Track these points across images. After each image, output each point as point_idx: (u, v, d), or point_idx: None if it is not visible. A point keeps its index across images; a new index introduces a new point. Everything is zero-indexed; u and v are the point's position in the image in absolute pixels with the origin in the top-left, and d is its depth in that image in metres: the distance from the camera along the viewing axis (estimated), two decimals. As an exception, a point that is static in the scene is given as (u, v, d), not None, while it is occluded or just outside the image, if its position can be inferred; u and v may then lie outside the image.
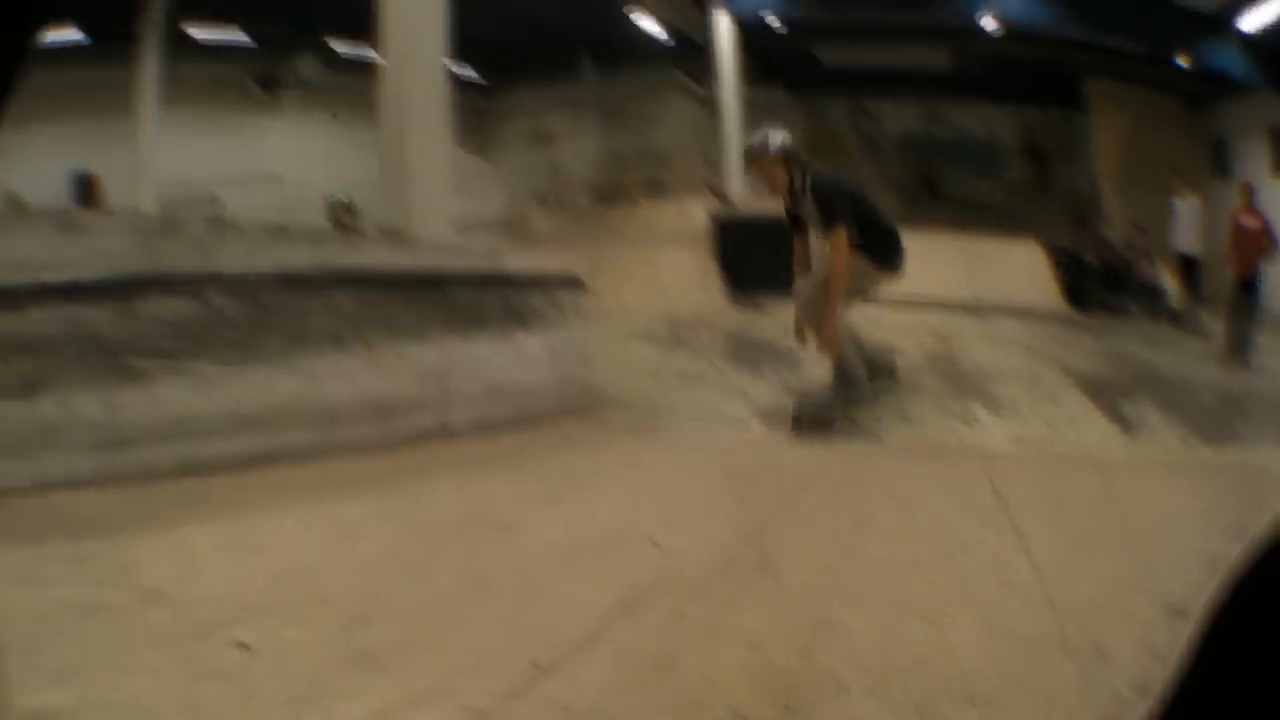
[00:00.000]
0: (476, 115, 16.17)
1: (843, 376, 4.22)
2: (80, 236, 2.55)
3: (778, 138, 4.25)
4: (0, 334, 2.16)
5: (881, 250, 4.26)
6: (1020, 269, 9.26)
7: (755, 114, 13.04)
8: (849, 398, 4.23)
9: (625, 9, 13.66)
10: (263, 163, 15.41)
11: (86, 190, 13.17)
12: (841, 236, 4.06)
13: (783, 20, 13.72)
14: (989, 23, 12.28)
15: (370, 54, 12.83)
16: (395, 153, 4.97)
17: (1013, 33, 12.52)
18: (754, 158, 4.36)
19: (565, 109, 16.88)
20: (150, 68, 12.33)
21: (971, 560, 2.01)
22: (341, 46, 15.65)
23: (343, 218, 7.30)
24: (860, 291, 4.27)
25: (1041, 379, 5.01)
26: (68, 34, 12.95)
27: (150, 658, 1.39)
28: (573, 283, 3.98)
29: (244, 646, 1.42)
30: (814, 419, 4.07)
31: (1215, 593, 0.54)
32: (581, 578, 1.85)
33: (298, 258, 3.03)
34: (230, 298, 2.53)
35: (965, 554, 2.06)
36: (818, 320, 4.10)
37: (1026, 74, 14.01)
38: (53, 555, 1.81)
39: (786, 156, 4.24)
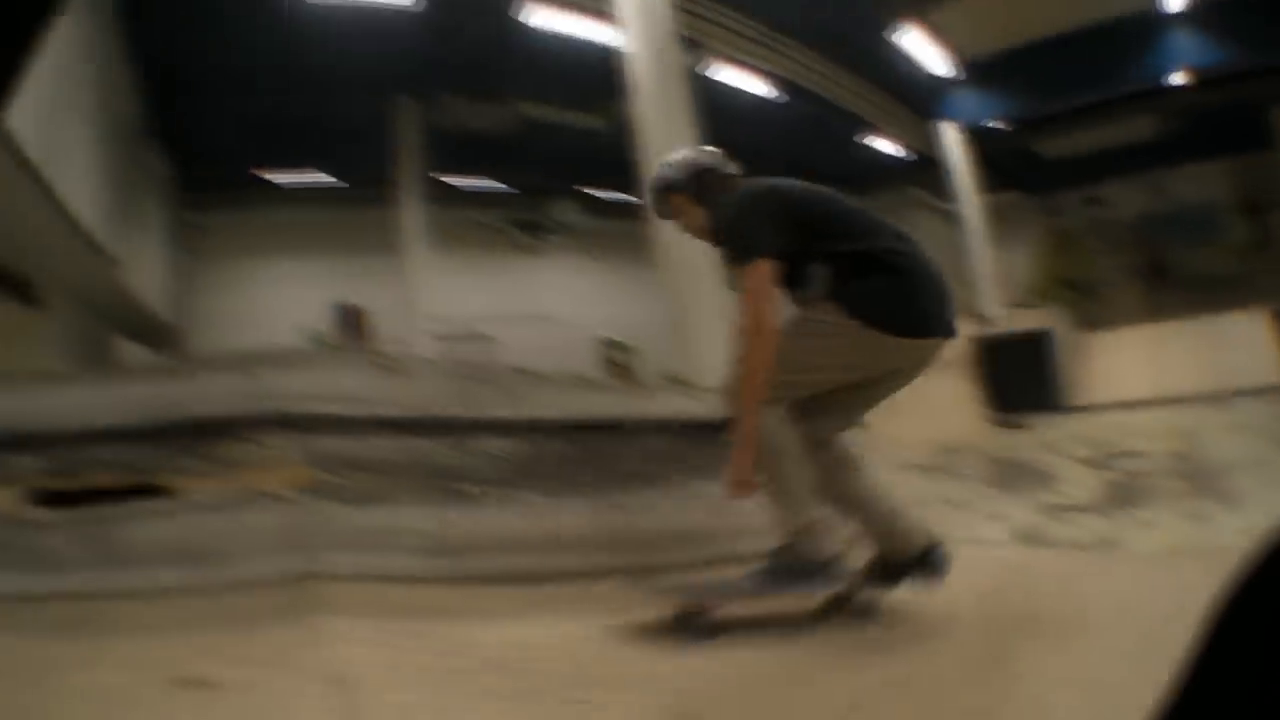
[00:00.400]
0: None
1: (779, 544, 2.46)
2: (400, 376, 3.12)
3: (678, 162, 2.79)
4: (347, 454, 2.73)
5: (877, 299, 2.49)
6: (1252, 343, 8.82)
7: (995, 223, 12.83)
8: (774, 579, 2.43)
9: (858, 135, 14.08)
10: (529, 303, 16.69)
11: (352, 322, 15.04)
12: (756, 275, 2.44)
13: (1002, 120, 13.57)
14: (1179, 78, 12.18)
15: (627, 197, 13.97)
16: (675, 304, 5.52)
17: (1202, 80, 12.26)
18: (657, 204, 2.84)
19: None
20: (412, 211, 13.71)
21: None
22: (599, 191, 16.85)
23: (615, 358, 8.07)
24: (849, 379, 2.56)
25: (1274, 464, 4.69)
26: (322, 178, 15.14)
27: (490, 707, 1.78)
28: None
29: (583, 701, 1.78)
30: (687, 612, 2.42)
31: (1218, 594, 0.53)
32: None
33: (604, 404, 3.56)
34: (554, 439, 3.07)
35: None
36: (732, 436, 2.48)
37: (1219, 120, 13.53)
38: (399, 630, 2.22)
39: (699, 186, 2.73)
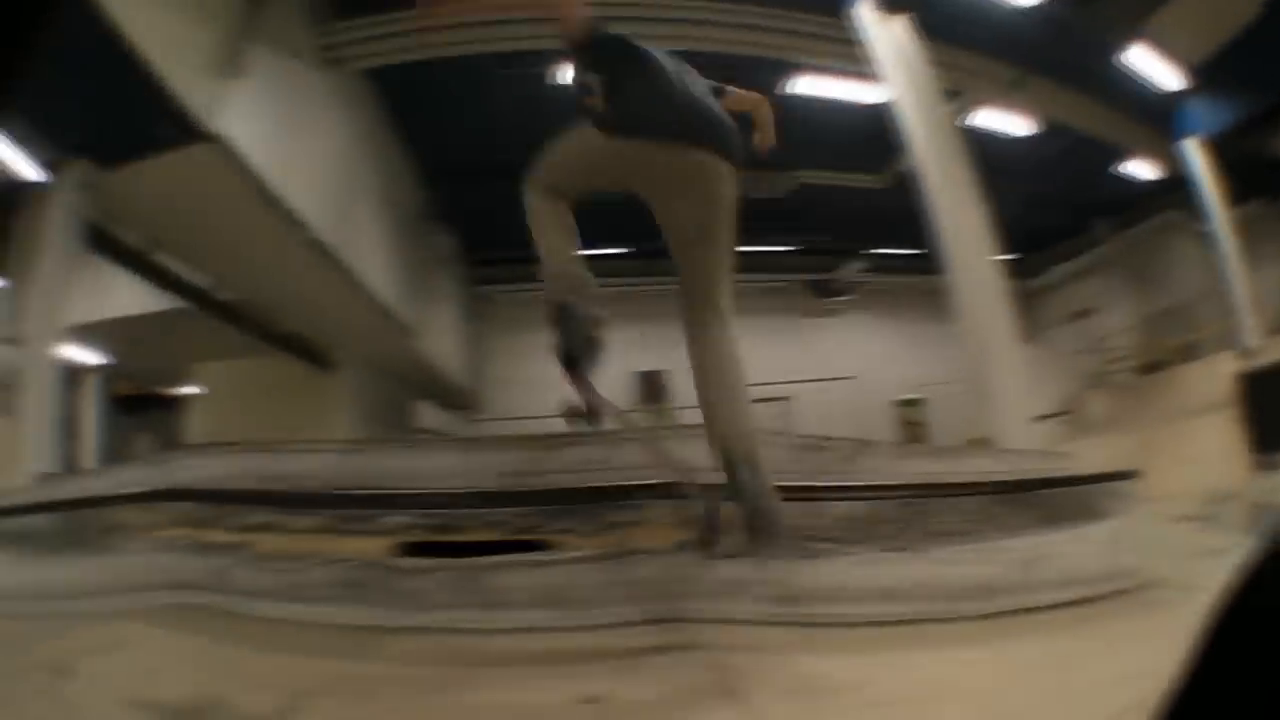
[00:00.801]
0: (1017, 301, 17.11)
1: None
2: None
3: None
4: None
5: (614, 106, 2.67)
6: None
7: (1244, 238, 11.85)
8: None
9: (1112, 165, 13.50)
10: (824, 364, 16.91)
11: (654, 387, 15.88)
12: None
13: (1236, 122, 12.56)
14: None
15: (913, 251, 13.81)
16: (971, 359, 5.60)
17: None
18: None
19: (1091, 279, 16.81)
20: None
21: None
22: (885, 249, 17.12)
23: (909, 417, 8.25)
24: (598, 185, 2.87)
25: None
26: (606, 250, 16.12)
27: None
28: (1127, 476, 4.36)
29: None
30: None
31: (1220, 593, 0.53)
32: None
33: (925, 467, 3.98)
34: (888, 502, 3.40)
35: None
36: None
37: None
38: (756, 661, 2.54)
39: None
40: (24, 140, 9.78)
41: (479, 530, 2.92)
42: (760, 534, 2.51)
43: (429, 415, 15.56)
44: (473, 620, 2.80)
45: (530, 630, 2.77)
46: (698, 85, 2.82)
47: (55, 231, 8.30)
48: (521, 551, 2.89)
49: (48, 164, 9.50)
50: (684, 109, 2.68)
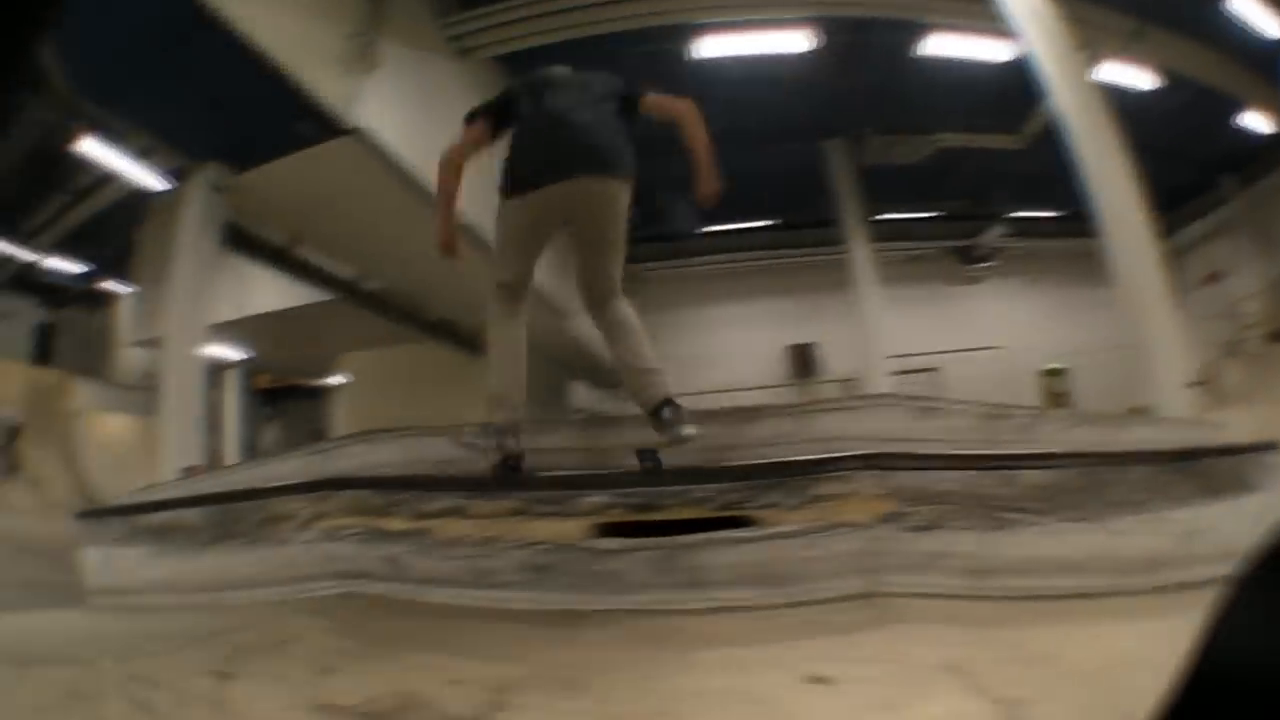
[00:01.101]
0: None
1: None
2: (934, 418, 3.51)
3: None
4: (910, 487, 2.96)
5: (504, 168, 3.25)
6: None
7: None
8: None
9: (1234, 117, 12.79)
10: (970, 333, 16.68)
11: (804, 360, 15.94)
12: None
13: None
14: None
15: (1057, 215, 13.34)
16: (1127, 324, 5.39)
17: None
18: None
19: (1220, 240, 16.04)
20: (849, 248, 14.25)
21: None
22: (1027, 211, 16.82)
23: (1054, 386, 8.07)
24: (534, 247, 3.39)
25: None
26: (755, 224, 16.10)
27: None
28: (1272, 447, 4.09)
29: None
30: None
31: (1222, 591, 0.52)
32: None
33: (1095, 437, 3.82)
34: (1071, 472, 3.27)
35: None
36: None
37: None
38: (967, 635, 2.43)
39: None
40: (148, 152, 10.34)
41: (681, 508, 2.82)
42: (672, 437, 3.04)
43: (583, 395, 15.83)
44: (675, 601, 2.70)
45: (737, 609, 2.67)
46: (583, 112, 3.10)
47: (189, 235, 8.67)
48: (721, 529, 2.80)
49: (175, 172, 10.00)
50: (557, 148, 3.03)
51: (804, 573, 2.78)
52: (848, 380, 14.41)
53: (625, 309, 3.27)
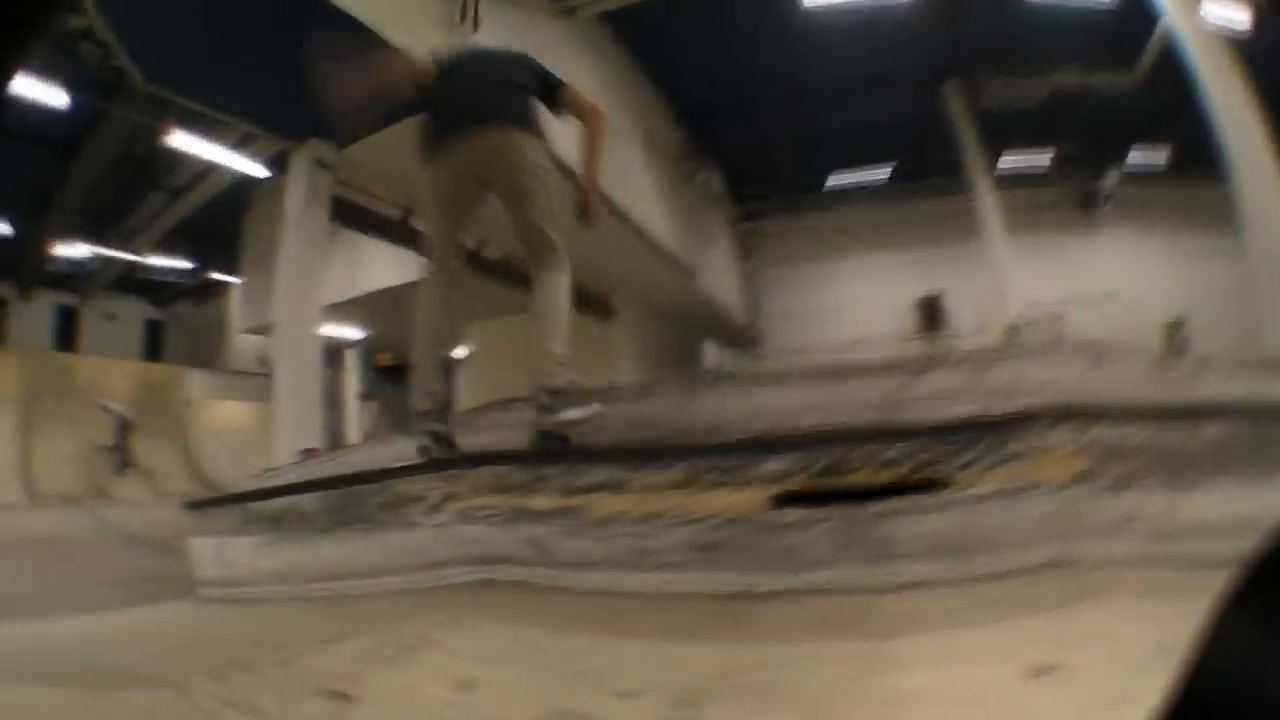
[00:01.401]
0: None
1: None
2: (1104, 367, 3.26)
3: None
4: (1102, 442, 2.67)
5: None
6: None
7: None
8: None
9: None
10: (1086, 280, 16.28)
11: (931, 310, 15.73)
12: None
13: None
14: None
15: (1177, 159, 12.77)
16: (1260, 270, 5.01)
17: None
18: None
19: None
20: (971, 196, 13.91)
21: None
22: (1143, 156, 16.34)
23: (1173, 335, 7.72)
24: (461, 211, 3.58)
25: None
26: (874, 175, 15.96)
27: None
28: None
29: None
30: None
31: (1224, 589, 0.51)
32: None
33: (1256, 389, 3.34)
34: (1238, 424, 2.89)
35: None
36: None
37: None
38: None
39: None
40: (246, 140, 10.34)
41: (868, 472, 2.53)
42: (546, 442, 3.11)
43: (713, 354, 15.79)
44: (861, 578, 2.42)
45: (930, 585, 2.38)
46: (486, 82, 3.27)
47: (296, 216, 8.63)
48: (906, 494, 2.52)
49: (276, 157, 9.98)
50: (460, 105, 3.19)
51: (998, 540, 2.48)
52: (976, 330, 13.99)
53: (555, 282, 3.28)
